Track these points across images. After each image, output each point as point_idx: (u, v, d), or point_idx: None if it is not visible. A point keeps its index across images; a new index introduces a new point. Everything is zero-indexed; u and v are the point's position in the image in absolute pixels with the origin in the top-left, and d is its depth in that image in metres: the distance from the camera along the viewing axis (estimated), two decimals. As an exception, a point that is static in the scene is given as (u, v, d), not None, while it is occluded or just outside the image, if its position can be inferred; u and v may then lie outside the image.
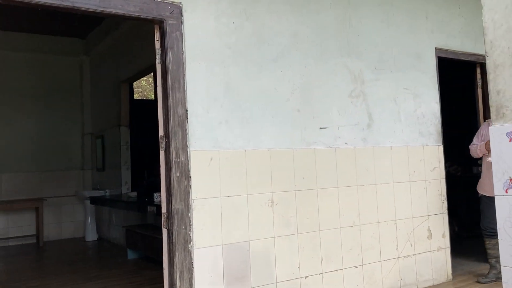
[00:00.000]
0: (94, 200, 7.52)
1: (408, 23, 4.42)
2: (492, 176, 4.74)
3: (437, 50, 4.59)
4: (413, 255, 4.21)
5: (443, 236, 4.44)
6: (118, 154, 7.43)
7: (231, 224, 3.23)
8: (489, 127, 2.18)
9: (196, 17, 3.21)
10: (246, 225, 3.30)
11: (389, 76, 4.21)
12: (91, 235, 7.97)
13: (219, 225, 3.18)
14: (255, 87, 3.45)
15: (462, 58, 4.83)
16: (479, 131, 4.54)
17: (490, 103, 2.14)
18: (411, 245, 4.21)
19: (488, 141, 4.07)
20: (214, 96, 3.25)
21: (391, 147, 4.16)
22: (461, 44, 4.80)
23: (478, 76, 5.20)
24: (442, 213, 4.45)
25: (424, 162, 4.38)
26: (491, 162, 4.44)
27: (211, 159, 3.19)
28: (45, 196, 7.95)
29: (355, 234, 3.85)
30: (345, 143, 3.86)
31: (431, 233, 4.34)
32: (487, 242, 4.39)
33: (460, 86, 6.50)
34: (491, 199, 4.29)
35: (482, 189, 4.48)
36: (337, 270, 3.72)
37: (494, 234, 4.22)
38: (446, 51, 4.67)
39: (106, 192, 7.59)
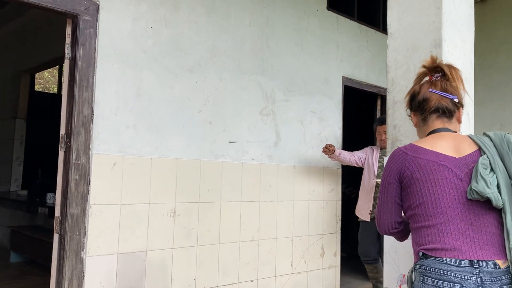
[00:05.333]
0: (-25, 197, 6.85)
1: (320, 50, 4.64)
2: (369, 200, 4.94)
3: (344, 78, 4.88)
4: (306, 271, 4.38)
5: (335, 254, 4.67)
6: (10, 148, 6.87)
7: (129, 233, 3.13)
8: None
9: (113, 17, 3.11)
10: (145, 234, 3.21)
11: (298, 98, 4.38)
12: (-32, 235, 7.24)
13: (116, 233, 3.06)
14: (168, 95, 3.40)
15: (366, 89, 5.18)
16: (366, 150, 4.45)
17: (387, 136, 2.31)
18: (305, 262, 4.37)
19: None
20: (124, 99, 3.15)
21: (294, 166, 4.31)
22: (366, 75, 5.14)
23: (378, 107, 5.59)
24: (335, 232, 4.69)
25: (323, 183, 4.59)
26: (370, 187, 4.63)
27: (115, 164, 3.08)
28: None
29: (253, 248, 3.92)
30: (252, 159, 3.94)
31: (324, 251, 4.55)
32: (366, 267, 4.43)
33: (365, 114, 6.93)
34: (365, 224, 4.30)
35: (359, 212, 4.35)
36: (232, 284, 3.75)
37: (368, 260, 4.26)
38: (352, 80, 4.97)
39: (-8, 188, 6.96)
